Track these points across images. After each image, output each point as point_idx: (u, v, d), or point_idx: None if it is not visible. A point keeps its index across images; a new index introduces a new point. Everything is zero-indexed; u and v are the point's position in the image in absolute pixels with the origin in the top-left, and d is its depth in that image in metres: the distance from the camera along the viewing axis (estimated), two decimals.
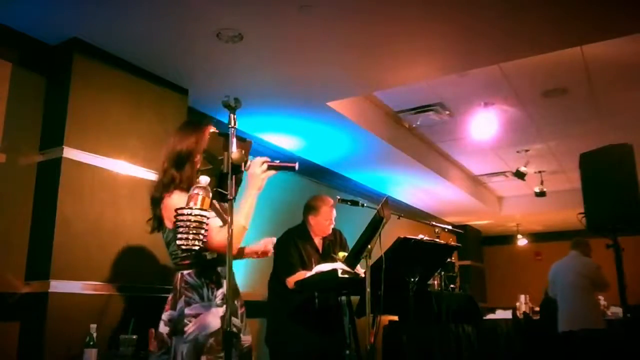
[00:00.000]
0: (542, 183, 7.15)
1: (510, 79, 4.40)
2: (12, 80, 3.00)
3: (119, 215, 3.12)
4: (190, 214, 1.77)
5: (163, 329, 2.07)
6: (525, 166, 6.40)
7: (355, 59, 3.49)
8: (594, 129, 5.41)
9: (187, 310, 2.03)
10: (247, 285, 4.56)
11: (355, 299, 3.78)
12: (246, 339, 2.18)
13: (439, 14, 2.97)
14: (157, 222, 2.18)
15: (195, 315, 2.02)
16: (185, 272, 2.09)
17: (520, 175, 6.42)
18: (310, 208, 3.64)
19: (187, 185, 2.05)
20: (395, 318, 5.33)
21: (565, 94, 4.65)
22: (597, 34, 3.32)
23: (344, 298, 3.65)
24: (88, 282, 2.89)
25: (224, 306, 2.01)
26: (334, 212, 3.62)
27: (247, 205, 2.02)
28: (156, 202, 2.16)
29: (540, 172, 7.05)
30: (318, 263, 3.48)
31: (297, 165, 2.09)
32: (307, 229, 3.64)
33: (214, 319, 2.03)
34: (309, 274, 3.24)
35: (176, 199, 2.05)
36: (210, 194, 1.85)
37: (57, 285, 2.76)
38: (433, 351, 4.65)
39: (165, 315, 2.08)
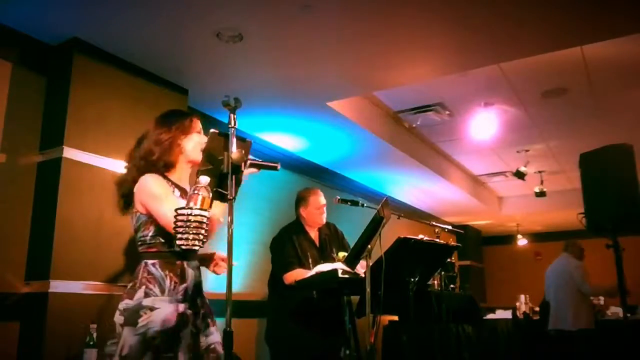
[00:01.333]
0: (542, 183, 7.15)
1: (510, 79, 4.40)
2: (12, 80, 3.00)
3: (119, 215, 3.11)
4: (190, 214, 1.77)
5: (118, 318, 1.99)
6: (525, 166, 6.40)
7: (355, 59, 3.49)
8: (594, 129, 5.41)
9: (144, 302, 1.95)
10: (247, 285, 4.57)
11: (355, 299, 3.78)
12: (211, 339, 2.06)
13: (439, 14, 2.97)
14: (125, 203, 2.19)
15: (152, 309, 1.94)
16: (149, 261, 2.03)
17: (520, 175, 6.42)
18: (299, 200, 3.68)
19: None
20: (395, 318, 5.33)
21: (565, 94, 4.65)
22: (597, 34, 3.32)
23: (344, 298, 3.66)
24: (88, 282, 2.89)
25: (185, 303, 1.99)
26: (323, 199, 3.64)
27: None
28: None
29: (540, 172, 7.05)
30: (315, 257, 3.51)
31: (279, 166, 2.12)
32: (301, 224, 3.66)
33: (170, 315, 1.94)
34: (308, 273, 3.24)
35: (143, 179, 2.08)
36: (210, 194, 1.84)
37: (57, 285, 2.76)
38: (433, 351, 4.66)
39: (121, 305, 2.00)
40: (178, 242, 1.77)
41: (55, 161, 2.93)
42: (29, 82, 3.09)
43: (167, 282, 1.99)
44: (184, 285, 2.02)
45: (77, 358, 2.68)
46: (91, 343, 2.67)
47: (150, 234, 2.05)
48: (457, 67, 3.81)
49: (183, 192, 2.13)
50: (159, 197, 2.02)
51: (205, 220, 1.79)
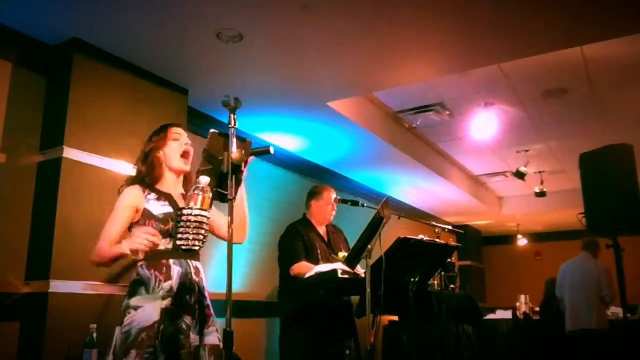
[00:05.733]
0: (542, 183, 7.15)
1: (510, 79, 4.40)
2: (12, 80, 3.00)
3: None
4: (190, 214, 1.78)
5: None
6: (525, 166, 6.39)
7: (355, 59, 3.49)
8: (594, 129, 5.40)
9: (130, 301, 2.04)
10: (247, 285, 4.57)
11: (355, 298, 3.78)
12: (207, 340, 2.09)
13: (439, 14, 2.97)
14: None
15: (136, 307, 2.02)
16: (140, 262, 2.10)
17: (520, 175, 6.41)
18: (313, 193, 3.74)
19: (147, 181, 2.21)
20: (395, 318, 5.33)
21: (565, 94, 4.65)
22: (597, 34, 3.32)
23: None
24: (88, 282, 2.89)
25: (169, 299, 2.02)
26: (335, 195, 3.71)
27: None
28: None
29: (540, 172, 7.05)
30: (324, 249, 3.54)
31: (271, 149, 2.05)
32: (308, 220, 3.70)
33: (152, 312, 2.00)
34: (312, 269, 3.23)
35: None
36: (210, 194, 1.85)
37: (57, 285, 2.77)
38: (433, 351, 4.65)
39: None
40: (178, 242, 1.79)
41: (55, 161, 2.93)
42: (29, 82, 3.09)
43: (152, 281, 2.05)
44: (168, 282, 2.05)
45: (77, 358, 2.68)
46: (91, 343, 2.67)
47: None
48: (457, 67, 3.81)
49: (166, 198, 2.16)
50: (114, 210, 2.16)
51: (205, 220, 1.80)
